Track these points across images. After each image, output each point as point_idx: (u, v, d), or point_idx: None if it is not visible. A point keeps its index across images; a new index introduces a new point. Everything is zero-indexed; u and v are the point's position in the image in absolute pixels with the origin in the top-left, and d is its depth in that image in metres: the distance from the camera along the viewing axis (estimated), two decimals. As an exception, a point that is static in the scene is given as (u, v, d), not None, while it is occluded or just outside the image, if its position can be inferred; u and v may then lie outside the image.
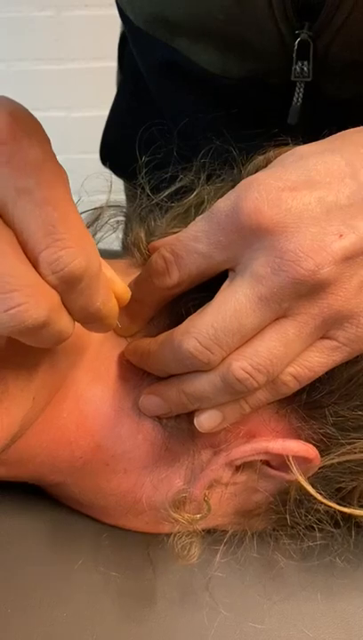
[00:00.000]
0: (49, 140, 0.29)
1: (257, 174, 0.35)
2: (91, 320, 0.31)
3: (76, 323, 0.31)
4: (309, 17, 0.45)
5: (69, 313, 0.29)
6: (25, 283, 0.27)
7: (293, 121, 0.50)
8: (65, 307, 0.29)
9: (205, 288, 0.37)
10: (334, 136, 0.37)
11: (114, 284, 0.32)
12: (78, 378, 0.40)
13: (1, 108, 0.27)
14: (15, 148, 0.27)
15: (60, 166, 0.29)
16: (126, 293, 0.34)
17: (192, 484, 0.41)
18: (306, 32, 0.46)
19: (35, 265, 0.27)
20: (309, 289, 0.33)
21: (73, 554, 0.43)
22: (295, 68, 0.47)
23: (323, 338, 0.35)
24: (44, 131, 0.29)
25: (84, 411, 0.40)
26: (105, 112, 0.74)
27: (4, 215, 0.27)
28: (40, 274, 0.27)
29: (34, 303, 0.27)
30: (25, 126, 0.27)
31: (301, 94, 0.49)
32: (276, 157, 0.38)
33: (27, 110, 0.28)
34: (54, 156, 0.28)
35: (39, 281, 0.27)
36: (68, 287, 0.28)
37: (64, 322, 0.29)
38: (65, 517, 0.45)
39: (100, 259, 0.30)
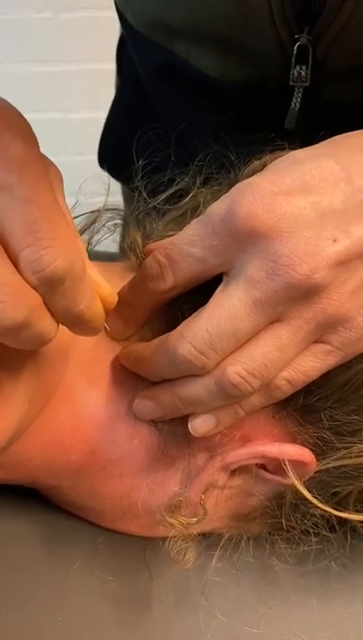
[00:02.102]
0: (35, 138, 0.28)
1: (252, 178, 0.35)
2: (74, 323, 0.30)
3: (62, 326, 0.30)
4: (308, 21, 0.45)
5: (52, 315, 0.29)
6: (3, 282, 0.26)
7: (290, 125, 0.50)
8: (47, 308, 0.28)
9: (201, 291, 0.37)
10: (328, 140, 0.37)
11: (100, 287, 0.32)
12: (74, 382, 0.40)
13: None
14: None
15: (49, 165, 0.29)
16: (112, 296, 0.33)
17: (188, 487, 0.41)
18: (305, 36, 0.46)
19: (15, 264, 0.27)
20: (303, 293, 0.33)
21: (69, 557, 0.43)
22: (293, 73, 0.47)
23: (317, 342, 0.35)
24: (30, 128, 0.28)
25: (79, 415, 0.40)
26: (103, 114, 0.74)
27: None
28: (21, 274, 0.27)
29: (12, 303, 0.26)
30: (8, 123, 0.27)
31: (299, 99, 0.49)
32: (272, 162, 0.38)
33: (12, 107, 0.28)
34: (39, 154, 0.28)
35: (19, 281, 0.27)
36: (50, 288, 0.27)
37: (45, 323, 0.28)
38: (61, 521, 0.45)
39: (87, 260, 0.30)
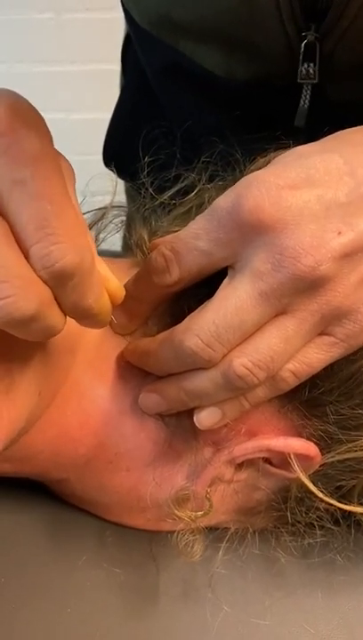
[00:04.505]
0: (49, 134, 0.28)
1: (257, 172, 0.35)
2: (82, 316, 0.31)
3: (71, 320, 0.31)
4: (315, 19, 0.45)
5: (60, 308, 0.29)
6: (15, 274, 0.26)
7: (300, 123, 0.50)
8: (56, 301, 0.29)
9: (206, 284, 0.37)
10: (331, 136, 0.37)
11: (108, 282, 0.32)
12: (81, 377, 0.41)
13: (1, 101, 0.27)
14: (13, 139, 0.27)
15: (63, 161, 0.29)
16: (120, 292, 0.33)
17: (194, 481, 0.41)
18: (312, 34, 0.46)
19: (26, 258, 0.27)
20: (308, 285, 0.33)
21: (77, 550, 0.43)
22: (301, 70, 0.47)
23: (321, 334, 0.35)
24: (44, 124, 0.28)
25: (87, 410, 0.41)
26: (104, 114, 0.74)
27: None
28: (32, 267, 0.27)
29: (23, 296, 0.26)
30: (24, 119, 0.27)
31: (307, 96, 0.49)
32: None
33: (28, 103, 0.28)
34: (54, 149, 0.28)
35: (30, 274, 0.27)
36: (59, 283, 0.28)
37: (54, 317, 0.29)
38: (69, 514, 0.46)
39: (96, 255, 0.30)
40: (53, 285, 0.28)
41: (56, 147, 0.29)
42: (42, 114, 0.29)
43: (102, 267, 0.32)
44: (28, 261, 0.27)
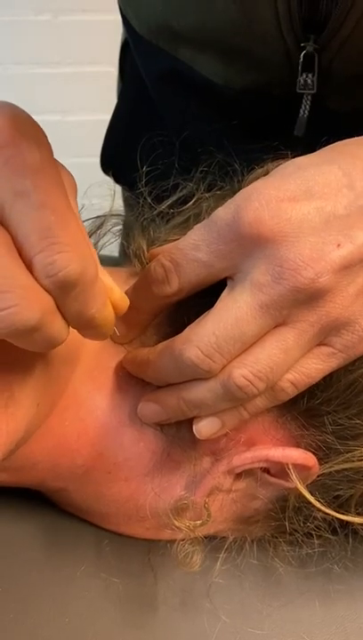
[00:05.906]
0: (49, 145, 0.29)
1: (256, 184, 0.35)
2: (85, 327, 0.30)
3: (73, 330, 0.30)
4: (314, 30, 0.45)
5: (64, 318, 0.29)
6: (18, 284, 0.26)
7: (300, 132, 0.50)
8: (60, 311, 0.29)
9: (205, 294, 0.37)
10: (330, 147, 0.37)
11: (112, 293, 0.32)
12: (79, 387, 0.40)
13: (2, 112, 0.27)
14: (14, 151, 0.27)
15: (63, 171, 0.29)
16: (124, 302, 0.33)
17: (193, 491, 0.41)
18: (311, 45, 0.46)
19: (29, 268, 0.27)
20: (308, 297, 0.33)
21: (75, 560, 0.43)
22: (300, 80, 0.47)
23: (320, 345, 0.35)
24: (45, 136, 0.29)
25: (85, 420, 0.40)
26: (100, 116, 0.74)
27: (1, 217, 0.27)
28: (35, 277, 0.27)
29: (26, 305, 0.26)
30: (25, 131, 0.27)
31: (307, 106, 0.49)
32: (274, 169, 0.38)
33: (28, 115, 0.29)
34: (54, 160, 0.28)
35: (33, 284, 0.27)
36: (62, 292, 0.28)
37: (57, 326, 0.28)
38: (67, 524, 0.45)
39: (99, 265, 0.30)
40: (57, 295, 0.28)
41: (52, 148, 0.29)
42: (37, 115, 0.29)
43: (106, 276, 0.32)
44: (31, 271, 0.27)
